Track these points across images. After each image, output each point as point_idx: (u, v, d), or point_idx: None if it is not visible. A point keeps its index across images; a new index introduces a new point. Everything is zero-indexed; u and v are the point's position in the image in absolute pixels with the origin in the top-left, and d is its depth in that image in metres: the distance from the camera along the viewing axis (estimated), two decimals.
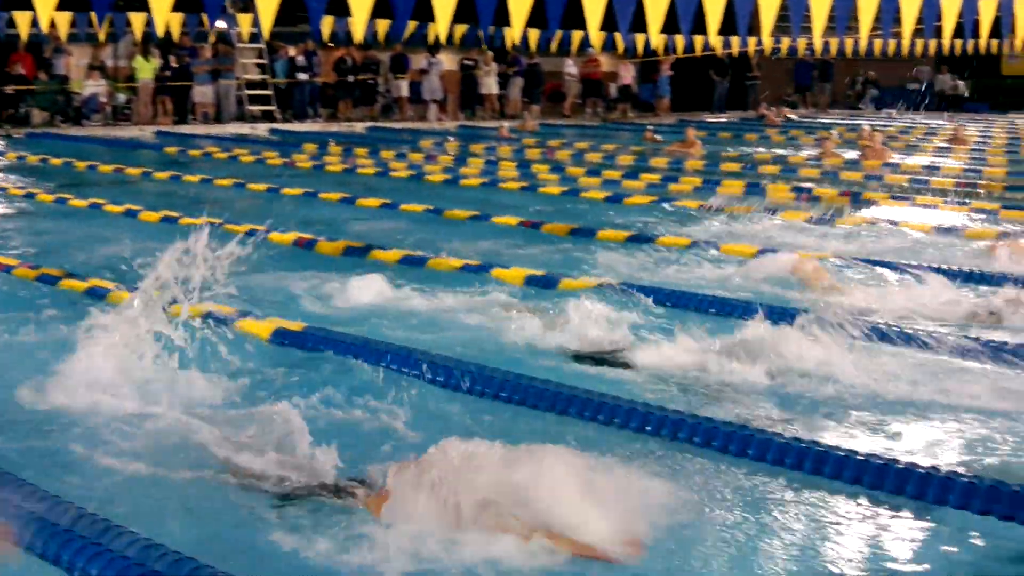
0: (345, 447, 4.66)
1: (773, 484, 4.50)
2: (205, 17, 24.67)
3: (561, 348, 6.51)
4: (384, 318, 7.28)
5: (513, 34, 12.84)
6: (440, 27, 10.45)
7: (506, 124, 24.57)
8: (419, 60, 28.25)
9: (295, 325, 6.67)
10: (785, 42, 27.24)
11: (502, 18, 11.65)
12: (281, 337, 6.53)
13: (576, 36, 26.48)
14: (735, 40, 26.60)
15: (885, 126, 26.52)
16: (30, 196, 13.33)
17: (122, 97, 25.68)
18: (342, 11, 11.82)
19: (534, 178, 15.86)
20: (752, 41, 26.84)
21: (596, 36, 13.35)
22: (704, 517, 4.16)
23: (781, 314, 6.86)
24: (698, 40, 24.54)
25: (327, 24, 25.13)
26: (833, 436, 5.11)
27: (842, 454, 4.61)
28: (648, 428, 5.03)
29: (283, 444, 4.77)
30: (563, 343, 6.58)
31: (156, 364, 5.77)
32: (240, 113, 26.31)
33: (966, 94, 35.64)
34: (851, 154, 18.78)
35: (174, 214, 11.45)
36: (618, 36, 13.38)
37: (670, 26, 13.13)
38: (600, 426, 5.15)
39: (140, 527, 3.84)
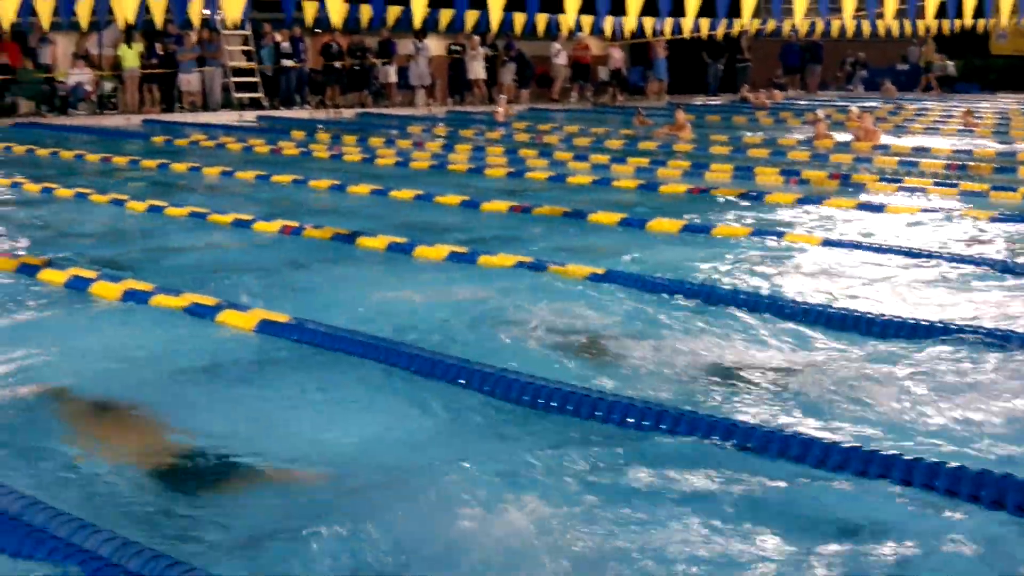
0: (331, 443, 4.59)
1: None
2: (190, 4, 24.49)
3: (545, 339, 6.42)
4: (370, 308, 7.20)
5: (492, 18, 12.70)
6: (416, 12, 10.37)
7: (500, 109, 24.41)
8: (406, 45, 28.11)
9: (281, 316, 6.54)
10: (770, 24, 27.18)
11: (484, 2, 11.56)
12: (266, 329, 6.39)
13: (564, 20, 26.36)
14: (721, 22, 26.54)
15: (874, 107, 26.47)
16: (16, 186, 13.22)
17: (108, 86, 25.51)
18: None
19: (522, 163, 15.78)
20: (737, 23, 26.71)
21: (574, 19, 13.27)
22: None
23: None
24: (686, 22, 24.46)
25: (311, 9, 25.03)
26: None
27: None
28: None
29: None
30: (548, 334, 6.49)
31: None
32: (227, 100, 26.16)
33: (955, 74, 35.57)
34: (842, 136, 18.70)
35: (160, 203, 11.36)
36: (607, 19, 13.33)
37: (652, 8, 13.06)
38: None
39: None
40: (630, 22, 15.72)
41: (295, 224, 10.01)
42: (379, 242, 9.17)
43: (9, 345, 6.18)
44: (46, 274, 7.75)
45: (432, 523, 3.83)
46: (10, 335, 6.42)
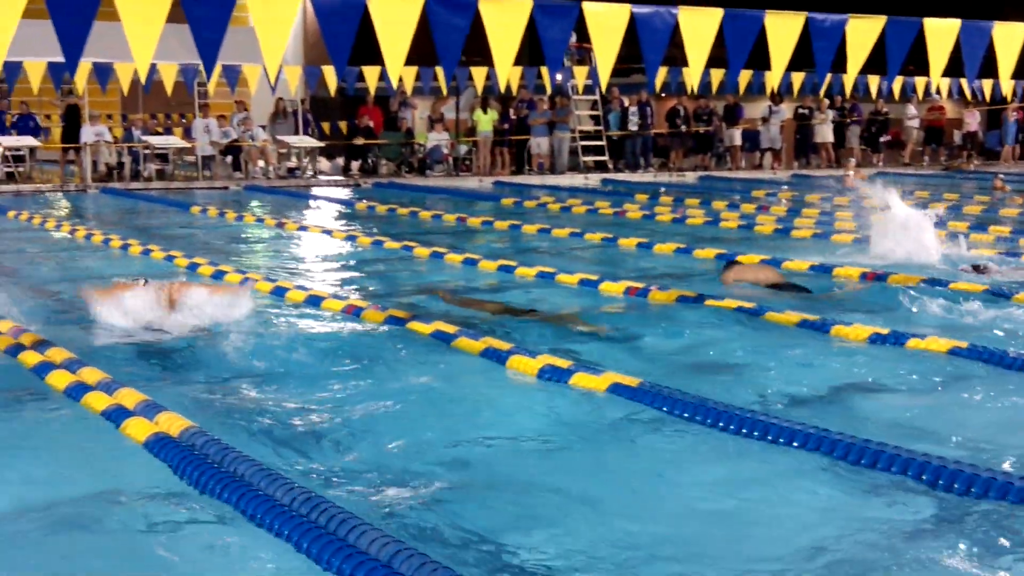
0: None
1: None
2: (543, 70, 25.37)
3: (913, 418, 6.16)
4: (720, 374, 7.14)
5: (847, 81, 12.46)
6: (775, 76, 10.30)
7: (850, 174, 23.77)
8: (753, 109, 27.98)
9: (631, 380, 6.55)
10: None
11: (839, 64, 11.32)
12: (617, 392, 6.41)
13: (920, 82, 25.51)
14: None
15: None
16: (378, 243, 13.99)
17: (463, 148, 26.72)
18: (677, 61, 11.83)
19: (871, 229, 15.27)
20: None
21: (937, 81, 12.79)
22: None
23: None
24: None
25: (660, 74, 25.37)
26: None
27: None
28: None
29: None
30: (915, 413, 6.22)
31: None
32: (573, 163, 26.82)
33: None
34: None
35: (511, 263, 11.71)
36: (964, 82, 12.79)
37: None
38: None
39: None
40: (1003, 85, 14.99)
41: (640, 285, 10.07)
42: (727, 304, 9.08)
43: (376, 395, 6.53)
44: (412, 326, 8.15)
45: None
46: (378, 386, 6.77)
